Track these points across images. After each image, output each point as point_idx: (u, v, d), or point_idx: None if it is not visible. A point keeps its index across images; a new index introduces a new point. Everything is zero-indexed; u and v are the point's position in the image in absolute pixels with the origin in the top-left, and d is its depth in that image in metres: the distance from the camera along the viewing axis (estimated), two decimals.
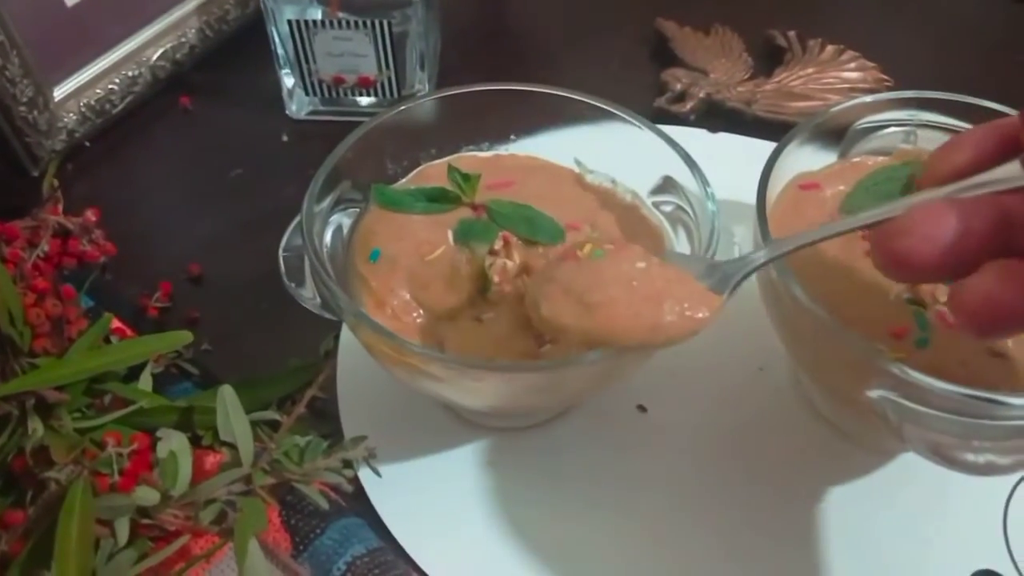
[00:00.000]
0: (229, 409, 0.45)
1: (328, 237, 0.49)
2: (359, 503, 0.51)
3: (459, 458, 0.54)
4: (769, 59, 0.79)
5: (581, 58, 0.82)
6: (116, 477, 0.39)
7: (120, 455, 0.40)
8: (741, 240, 0.49)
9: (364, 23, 0.65)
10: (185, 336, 0.48)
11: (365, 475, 0.51)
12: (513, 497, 0.52)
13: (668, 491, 0.52)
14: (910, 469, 0.53)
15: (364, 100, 0.73)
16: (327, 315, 0.46)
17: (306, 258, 0.46)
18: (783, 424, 0.55)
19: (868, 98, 0.54)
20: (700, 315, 0.41)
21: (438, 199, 0.51)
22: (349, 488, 0.50)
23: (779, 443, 0.54)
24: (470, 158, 0.55)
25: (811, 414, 0.55)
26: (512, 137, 0.56)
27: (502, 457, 0.54)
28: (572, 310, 0.41)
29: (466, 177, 0.51)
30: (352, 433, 0.52)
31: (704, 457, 0.54)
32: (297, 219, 0.47)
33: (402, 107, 0.52)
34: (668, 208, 0.52)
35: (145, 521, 0.42)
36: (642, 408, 0.55)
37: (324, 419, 0.54)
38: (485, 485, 0.52)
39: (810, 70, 0.76)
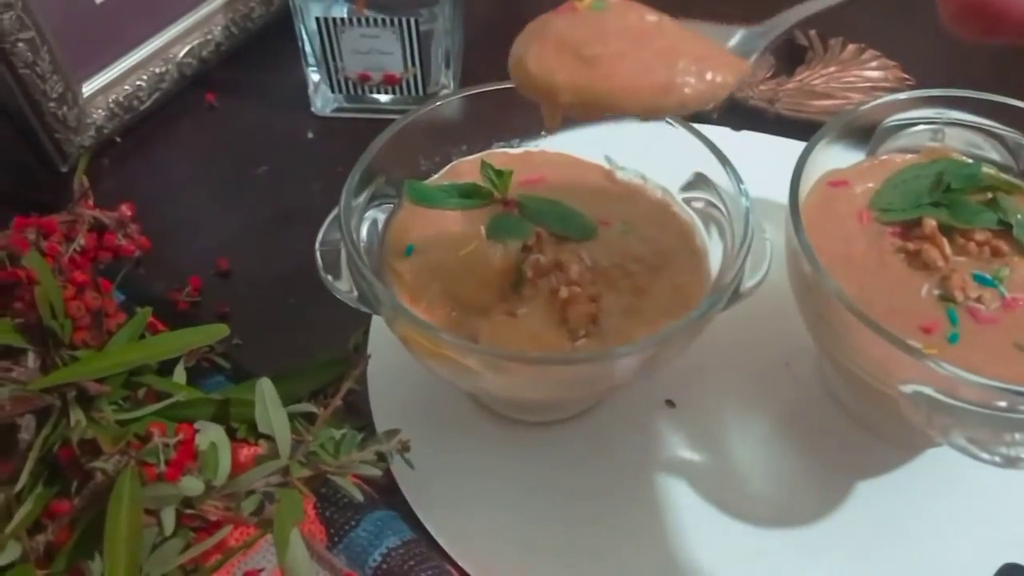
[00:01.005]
0: (268, 402, 0.46)
1: (364, 232, 0.49)
2: (392, 496, 0.52)
3: (489, 451, 0.54)
4: (791, 58, 0.79)
5: None
6: (163, 467, 0.40)
7: (167, 445, 0.40)
8: (772, 236, 0.49)
9: (391, 21, 0.66)
10: (222, 329, 0.48)
11: (397, 468, 0.51)
12: (543, 490, 0.53)
13: (697, 485, 0.53)
14: (936, 464, 0.54)
15: (384, 97, 0.73)
16: (363, 308, 0.46)
17: (343, 251, 0.46)
18: (809, 419, 0.56)
19: (896, 96, 0.54)
20: (720, 79, 0.35)
21: (470, 195, 0.52)
22: (383, 480, 0.50)
23: (805, 437, 0.55)
24: (501, 154, 0.56)
25: (837, 409, 0.56)
26: (543, 133, 0.56)
27: (531, 451, 0.54)
28: (567, 64, 0.35)
29: (499, 173, 0.51)
30: (384, 427, 0.53)
31: (732, 451, 0.54)
32: (334, 213, 0.47)
33: (435, 104, 0.52)
34: (699, 204, 0.52)
35: (188, 511, 0.43)
36: (671, 403, 0.56)
37: (355, 413, 0.55)
38: (515, 478, 0.53)
39: (832, 69, 0.76)
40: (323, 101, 0.74)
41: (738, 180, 0.48)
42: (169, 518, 0.40)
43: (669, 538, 0.51)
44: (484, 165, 0.51)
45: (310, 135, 0.73)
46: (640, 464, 0.54)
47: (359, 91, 0.72)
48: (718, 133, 0.71)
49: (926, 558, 0.50)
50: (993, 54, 0.83)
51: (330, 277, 0.47)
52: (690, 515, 0.52)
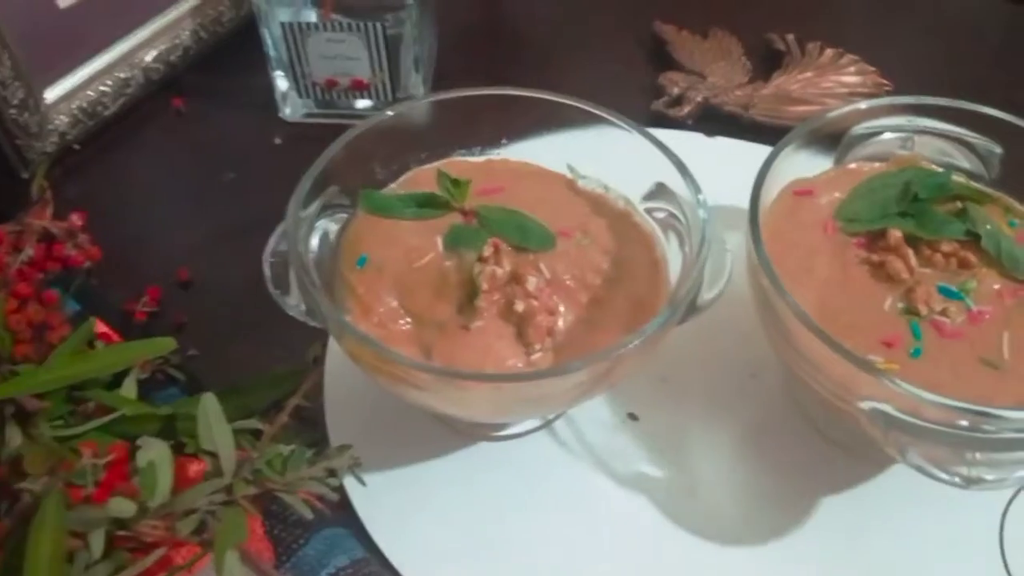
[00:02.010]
0: (211, 418, 0.45)
1: (315, 242, 0.48)
2: (345, 513, 0.50)
3: (448, 467, 0.53)
4: (768, 63, 0.78)
5: (579, 61, 0.81)
6: (90, 488, 0.38)
7: (96, 466, 0.39)
8: (734, 247, 0.48)
9: (357, 25, 0.65)
10: (167, 343, 0.47)
11: (351, 484, 0.50)
12: (502, 507, 0.51)
13: (659, 500, 0.51)
14: (904, 480, 0.52)
15: (361, 103, 0.72)
16: (312, 323, 0.45)
17: (291, 264, 0.45)
18: (775, 431, 0.54)
19: (864, 104, 0.53)
20: None
21: (428, 204, 0.51)
22: (335, 497, 0.49)
23: (771, 451, 0.54)
24: (461, 163, 0.55)
25: (804, 422, 0.54)
26: (504, 142, 0.55)
27: (491, 466, 0.53)
28: None
29: (456, 183, 0.50)
30: (339, 441, 0.51)
31: (696, 465, 0.53)
32: (283, 225, 0.46)
33: (390, 112, 0.51)
34: (661, 215, 0.51)
35: (122, 533, 0.41)
36: (633, 416, 0.55)
37: (311, 426, 0.54)
38: (474, 495, 0.52)
39: (809, 74, 0.75)
40: (292, 107, 0.73)
41: (697, 190, 0.47)
42: (98, 541, 0.38)
43: (631, 555, 0.50)
44: (440, 175, 0.50)
45: (278, 141, 0.72)
46: (602, 479, 0.52)
47: (329, 96, 0.71)
48: (691, 139, 0.71)
49: (894, 574, 0.49)
50: (976, 58, 0.82)
51: (278, 291, 0.46)
52: (652, 531, 0.51)
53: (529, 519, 0.51)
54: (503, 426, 0.54)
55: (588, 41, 0.83)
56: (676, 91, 0.74)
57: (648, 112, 0.73)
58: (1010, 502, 0.51)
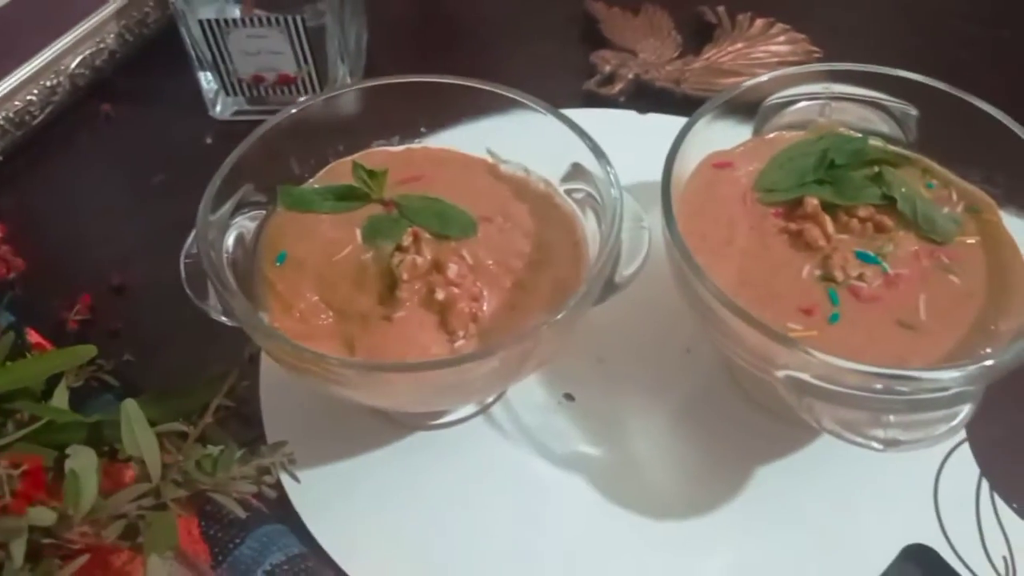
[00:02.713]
0: (133, 423, 0.44)
1: (230, 242, 0.48)
2: (284, 509, 0.50)
3: (387, 458, 0.53)
4: (699, 36, 0.78)
5: (511, 44, 0.81)
6: (7, 499, 0.38)
7: (11, 476, 0.39)
8: (651, 225, 0.48)
9: (277, 19, 0.64)
10: (87, 351, 0.47)
11: (290, 480, 0.50)
12: (442, 495, 0.51)
13: (598, 479, 0.52)
14: (839, 445, 0.52)
15: (302, 99, 0.71)
16: (231, 323, 0.45)
17: (203, 266, 0.45)
18: (712, 404, 0.55)
19: (779, 72, 0.53)
20: None
21: (346, 197, 0.50)
22: (272, 494, 0.49)
23: (707, 424, 0.54)
24: (380, 153, 0.54)
25: (738, 393, 0.55)
26: (423, 130, 0.55)
27: (430, 455, 0.53)
28: None
29: (372, 173, 0.50)
30: (276, 438, 0.51)
31: (633, 443, 0.53)
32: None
33: (303, 106, 0.51)
34: (579, 195, 0.51)
35: (50, 541, 0.41)
36: (569, 396, 0.55)
37: (249, 425, 0.54)
38: (413, 484, 0.52)
39: (739, 45, 0.75)
40: (222, 105, 0.72)
41: (609, 169, 0.47)
42: (18, 550, 0.38)
43: (571, 535, 0.50)
44: (355, 166, 0.50)
45: (209, 141, 0.72)
46: (541, 461, 0.53)
47: (257, 93, 0.71)
48: (625, 117, 0.71)
49: (829, 541, 0.49)
50: (907, 25, 0.82)
51: (194, 293, 0.45)
52: (594, 509, 0.51)
53: (470, 505, 0.51)
54: (440, 414, 0.54)
55: (521, 24, 0.83)
56: (608, 69, 0.74)
57: (581, 92, 0.73)
58: (944, 462, 0.52)
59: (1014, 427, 0.53)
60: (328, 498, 0.51)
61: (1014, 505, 0.50)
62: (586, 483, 0.52)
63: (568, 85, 0.74)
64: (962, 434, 0.52)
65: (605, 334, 0.56)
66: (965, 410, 0.40)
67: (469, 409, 0.54)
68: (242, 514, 0.47)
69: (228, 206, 0.48)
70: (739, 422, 0.54)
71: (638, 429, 0.54)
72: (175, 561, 0.47)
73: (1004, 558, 0.48)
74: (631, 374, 0.56)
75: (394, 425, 0.54)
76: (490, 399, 0.55)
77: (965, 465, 0.51)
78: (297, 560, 0.47)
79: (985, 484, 0.50)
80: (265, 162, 0.49)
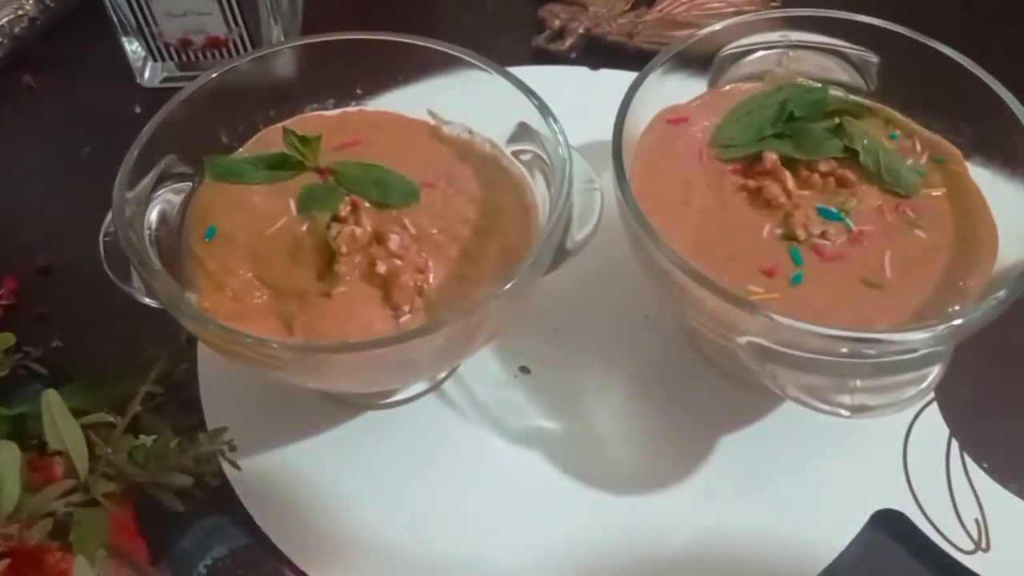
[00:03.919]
0: (56, 415, 0.42)
1: (153, 218, 0.45)
2: (228, 499, 0.48)
3: (335, 441, 0.51)
4: None
5: (456, 1, 0.77)
6: None
7: None
8: (604, 186, 0.45)
9: None
10: (5, 339, 0.44)
11: (231, 468, 0.47)
12: (394, 476, 0.49)
13: (556, 453, 0.50)
14: (805, 410, 0.51)
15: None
16: (156, 305, 0.42)
17: (122, 244, 0.42)
18: (672, 372, 0.53)
19: (733, 20, 0.50)
20: None
21: (278, 166, 0.47)
22: (213, 483, 0.46)
23: (668, 392, 0.52)
24: (314, 118, 0.51)
25: (698, 359, 0.53)
26: (359, 92, 0.52)
27: (380, 436, 0.51)
28: None
29: (304, 139, 0.46)
30: (217, 423, 0.48)
31: (592, 414, 0.51)
32: None
33: (227, 67, 0.47)
34: (527, 156, 0.48)
35: None
36: (525, 369, 0.53)
37: (188, 412, 0.51)
38: (363, 467, 0.49)
39: None
40: (151, 73, 0.68)
41: (557, 129, 0.44)
42: None
43: (531, 511, 0.48)
44: (286, 132, 0.46)
45: (138, 110, 0.68)
46: (496, 437, 0.51)
47: (187, 58, 0.67)
48: (576, 74, 0.68)
49: (798, 508, 0.48)
50: None
51: (113, 274, 0.42)
52: (552, 485, 0.49)
53: (424, 486, 0.49)
54: (390, 393, 0.52)
55: None
56: (557, 24, 0.71)
57: (530, 48, 0.70)
58: (911, 425, 0.50)
59: (983, 385, 0.52)
60: (273, 486, 0.48)
61: (984, 465, 0.48)
62: (544, 458, 0.50)
63: (516, 42, 0.71)
64: (930, 395, 0.50)
65: (560, 303, 0.53)
66: (935, 371, 0.39)
67: (420, 386, 0.52)
68: (179, 507, 0.44)
69: (149, 179, 0.44)
70: (701, 390, 0.52)
71: (597, 400, 0.52)
72: (110, 559, 0.44)
73: (976, 520, 0.46)
74: (588, 343, 0.54)
75: (342, 406, 0.51)
76: (442, 375, 0.52)
77: (934, 426, 0.50)
78: (241, 552, 0.45)
79: (955, 445, 0.49)
80: (189, 130, 0.46)
